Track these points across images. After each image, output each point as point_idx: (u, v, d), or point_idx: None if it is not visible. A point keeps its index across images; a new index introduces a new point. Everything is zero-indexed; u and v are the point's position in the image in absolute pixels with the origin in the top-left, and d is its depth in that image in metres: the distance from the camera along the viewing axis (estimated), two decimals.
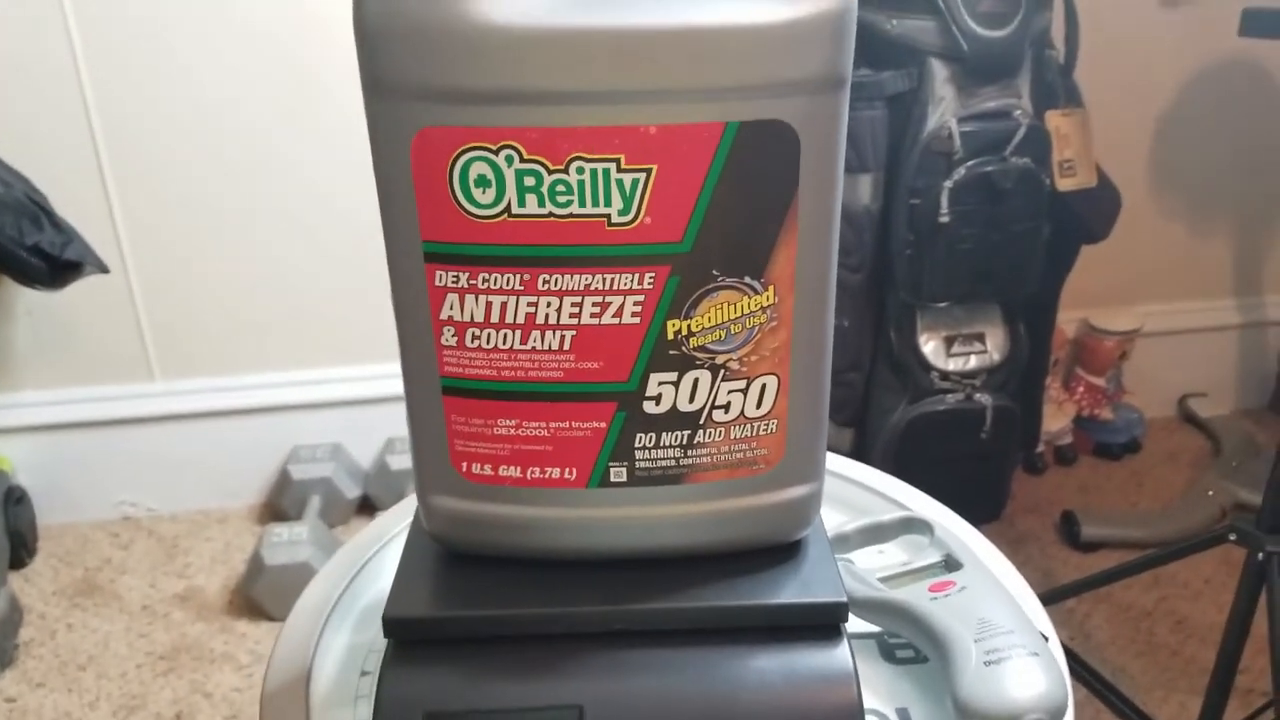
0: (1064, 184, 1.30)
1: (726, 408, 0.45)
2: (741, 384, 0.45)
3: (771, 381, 0.45)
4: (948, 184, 1.24)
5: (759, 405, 0.45)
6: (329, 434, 1.64)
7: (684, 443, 0.46)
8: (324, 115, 1.49)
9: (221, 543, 1.61)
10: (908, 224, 1.27)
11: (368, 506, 1.65)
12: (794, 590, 0.48)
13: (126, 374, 1.60)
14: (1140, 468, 1.83)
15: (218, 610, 1.47)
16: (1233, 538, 1.08)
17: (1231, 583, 1.51)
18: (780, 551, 0.51)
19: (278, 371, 1.63)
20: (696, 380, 0.44)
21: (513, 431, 0.45)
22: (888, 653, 0.58)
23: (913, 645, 0.58)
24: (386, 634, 0.47)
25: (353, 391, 1.63)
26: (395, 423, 1.64)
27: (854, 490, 0.70)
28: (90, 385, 1.60)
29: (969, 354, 1.36)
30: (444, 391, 0.45)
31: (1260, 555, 1.03)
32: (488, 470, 0.46)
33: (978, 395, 1.37)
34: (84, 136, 1.46)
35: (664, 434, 0.45)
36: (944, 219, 1.25)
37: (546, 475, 0.46)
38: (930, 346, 1.36)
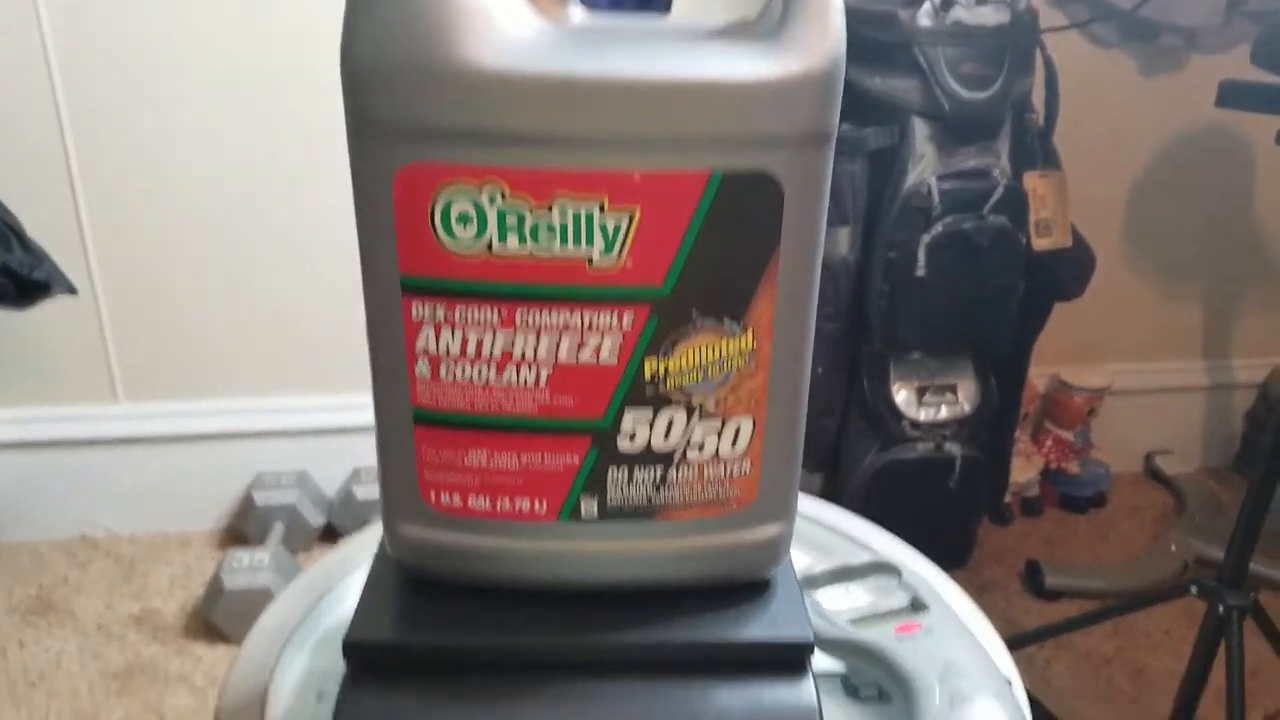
0: (1040, 243, 1.32)
1: (701, 447, 0.45)
2: (717, 424, 0.45)
3: (747, 423, 0.45)
4: (925, 239, 1.25)
5: (734, 445, 0.46)
6: (294, 461, 1.63)
7: (657, 480, 0.46)
8: (301, 146, 1.49)
9: (181, 566, 1.59)
10: (884, 276, 1.29)
11: (331, 535, 1.63)
12: (761, 627, 0.48)
13: (90, 395, 1.58)
14: (1105, 521, 1.85)
15: (175, 632, 1.44)
16: (1194, 590, 1.09)
17: (1190, 634, 1.53)
18: (749, 588, 0.51)
19: (244, 397, 1.62)
20: (672, 419, 0.44)
21: (484, 463, 0.45)
22: (851, 691, 0.58)
23: (877, 685, 0.58)
24: (347, 658, 0.47)
25: (320, 420, 1.62)
26: (362, 452, 1.62)
27: (823, 532, 0.70)
28: (53, 405, 1.58)
29: (940, 404, 1.38)
30: (416, 421, 0.45)
31: (1220, 609, 1.04)
32: (456, 500, 0.46)
33: (948, 445, 1.38)
34: (58, 160, 1.45)
35: (637, 470, 0.46)
36: (920, 273, 1.26)
37: (516, 507, 0.46)
38: (902, 395, 1.37)
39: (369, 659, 0.48)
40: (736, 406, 0.45)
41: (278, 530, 1.55)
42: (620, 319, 0.42)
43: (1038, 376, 1.78)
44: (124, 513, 1.64)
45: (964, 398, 1.39)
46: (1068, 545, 1.77)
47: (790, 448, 0.47)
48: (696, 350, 0.43)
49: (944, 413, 1.37)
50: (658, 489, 0.46)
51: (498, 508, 0.46)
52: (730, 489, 0.47)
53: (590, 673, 0.47)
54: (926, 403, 1.37)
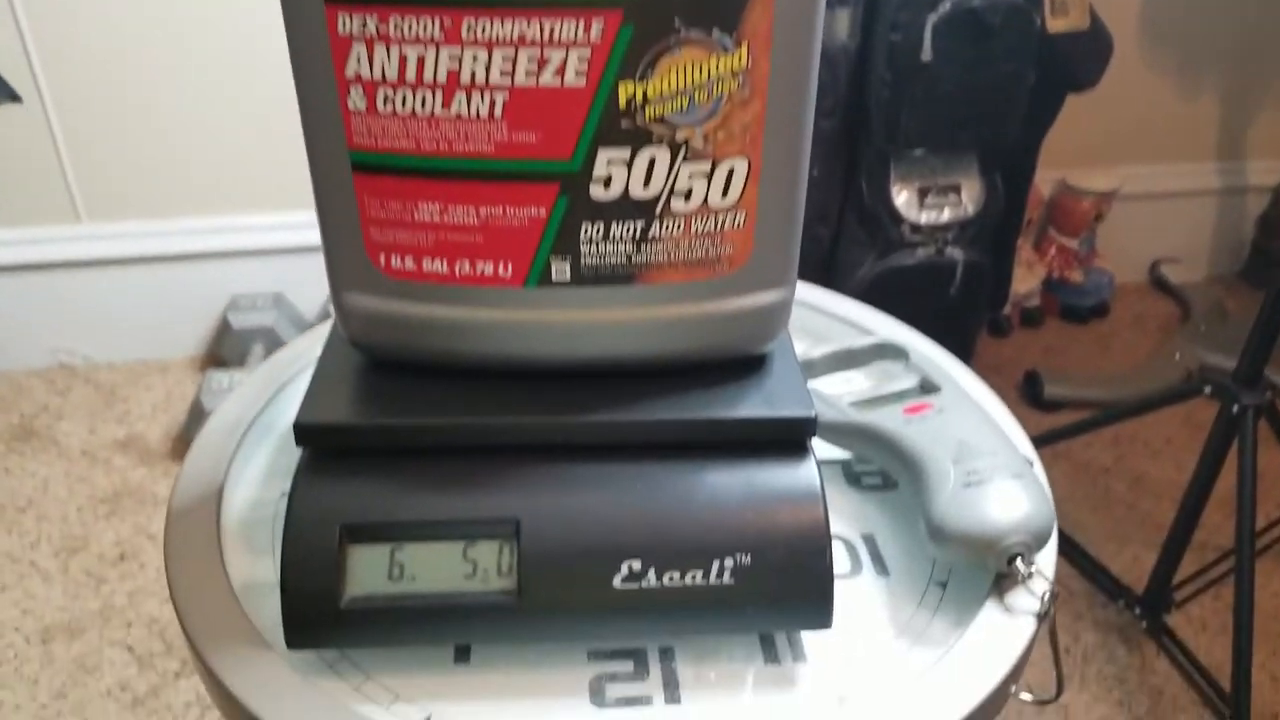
0: (1055, 24, 1.22)
1: (688, 195, 0.39)
2: (706, 166, 0.39)
3: (741, 165, 0.39)
4: (932, 18, 1.16)
5: (725, 193, 0.40)
6: (270, 283, 1.57)
7: (637, 235, 0.40)
8: None
9: (162, 391, 1.55)
10: (887, 62, 1.19)
11: None
12: (757, 405, 0.44)
13: (51, 215, 1.51)
14: (1107, 332, 1.81)
15: (160, 456, 1.42)
16: (1207, 390, 1.06)
17: (1193, 443, 1.52)
18: (743, 365, 0.46)
19: (214, 215, 1.54)
20: (653, 159, 0.38)
21: (437, 218, 0.39)
22: (853, 479, 0.54)
23: (880, 472, 0.54)
24: (299, 442, 0.42)
25: (295, 239, 1.55)
26: None
27: (820, 318, 0.65)
28: (13, 227, 1.51)
29: (943, 206, 1.31)
30: (355, 169, 0.39)
31: (1235, 408, 1.00)
32: (409, 264, 0.41)
33: (949, 249, 1.33)
34: None
35: (614, 225, 0.40)
36: (926, 57, 1.17)
37: (478, 271, 0.41)
38: (903, 198, 1.30)
39: (324, 444, 0.43)
40: (729, 144, 0.38)
41: (256, 353, 1.51)
42: (587, 29, 0.35)
43: (1043, 181, 1.71)
44: (101, 340, 1.60)
45: (968, 199, 1.32)
46: (1068, 356, 1.74)
47: (791, 197, 0.41)
48: (680, 70, 0.36)
49: (946, 215, 1.31)
50: (638, 247, 0.40)
51: (456, 272, 0.41)
52: (722, 246, 0.41)
53: (566, 456, 0.43)
54: (928, 205, 1.30)
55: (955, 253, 1.32)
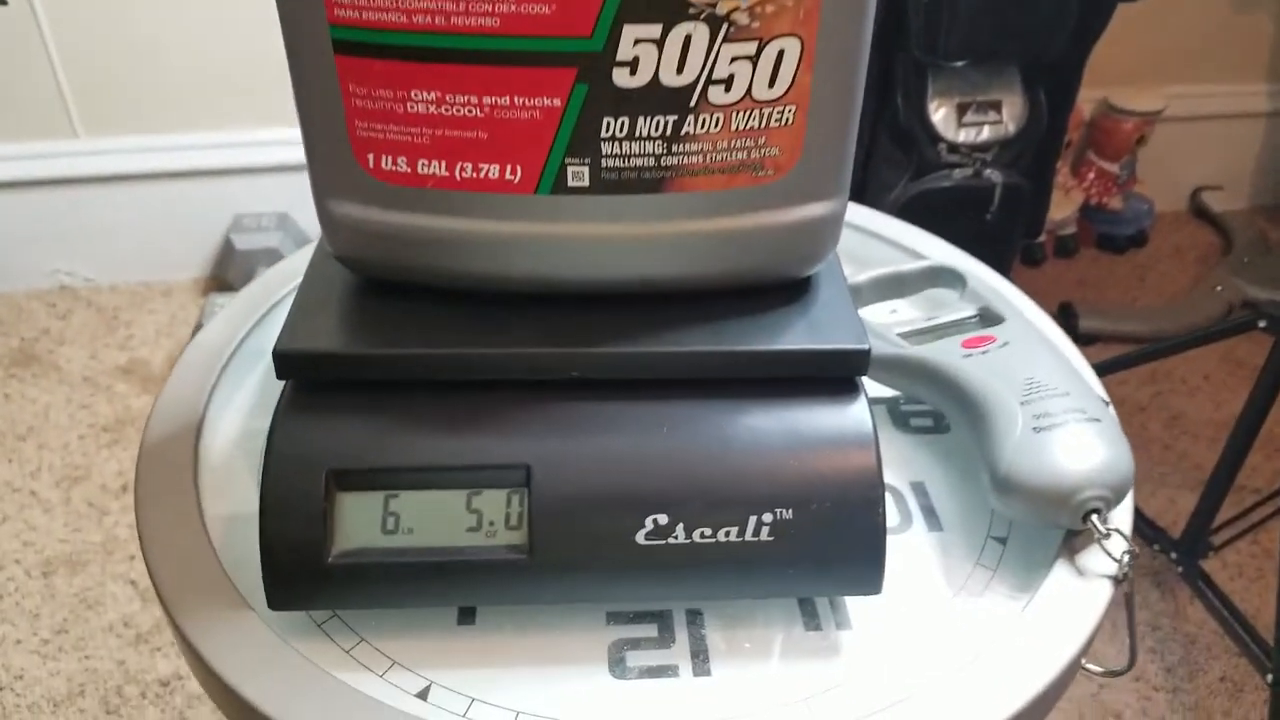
0: None
1: (728, 83, 0.33)
2: (750, 48, 0.32)
3: (792, 47, 0.33)
4: None
5: (773, 82, 0.33)
6: (276, 202, 1.51)
7: (668, 133, 0.34)
8: None
9: (166, 315, 1.50)
10: None
11: None
12: (802, 335, 0.38)
13: (45, 129, 1.44)
14: (1145, 262, 1.73)
15: (163, 383, 1.37)
16: (1262, 325, 0.99)
17: (1232, 380, 1.45)
18: (785, 291, 0.40)
19: (217, 131, 1.48)
20: (689, 38, 0.32)
21: (433, 110, 0.33)
22: (900, 420, 0.48)
23: (931, 413, 0.48)
24: (280, 374, 0.37)
25: (300, 156, 1.48)
26: None
27: (862, 239, 0.59)
28: (5, 142, 1.45)
29: (983, 124, 1.23)
30: (336, 50, 0.33)
31: None
32: (402, 166, 0.35)
33: (987, 171, 1.25)
34: None
35: (641, 120, 0.34)
36: None
37: (481, 175, 0.35)
38: (941, 114, 1.23)
39: (309, 377, 0.38)
40: (778, 20, 0.32)
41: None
42: None
43: (1084, 101, 1.62)
44: (102, 261, 1.54)
45: (1009, 116, 1.24)
46: (1104, 287, 1.67)
47: (849, 90, 0.35)
48: None
49: (986, 133, 1.23)
50: (669, 147, 0.34)
51: (457, 175, 0.35)
52: (766, 148, 0.35)
53: (584, 394, 0.37)
54: (967, 122, 1.22)
55: (994, 174, 1.25)
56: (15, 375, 1.40)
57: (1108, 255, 1.74)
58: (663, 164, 0.34)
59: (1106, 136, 1.67)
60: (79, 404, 1.35)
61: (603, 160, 0.34)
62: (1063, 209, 1.67)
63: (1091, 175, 1.70)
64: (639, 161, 0.34)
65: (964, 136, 1.23)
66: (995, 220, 1.29)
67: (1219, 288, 1.61)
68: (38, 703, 0.94)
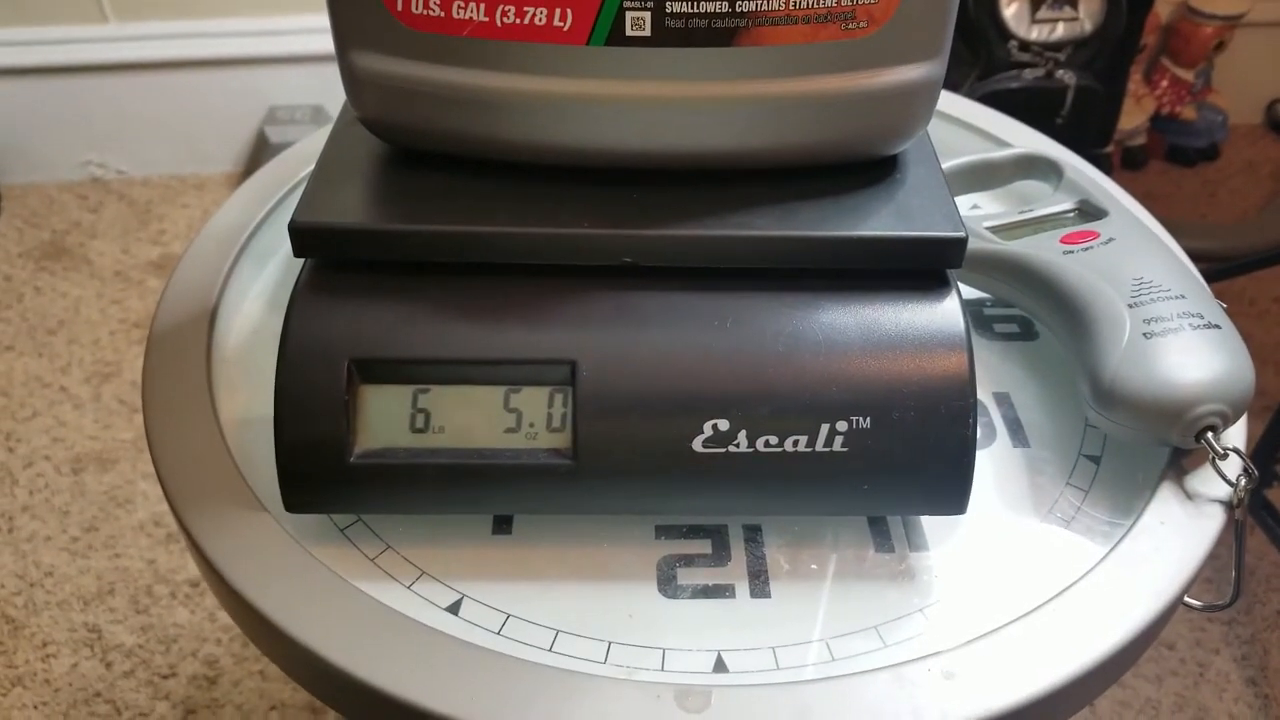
0: None
1: None
2: None
3: None
4: None
5: None
6: (310, 93, 1.45)
7: None
8: None
9: (199, 209, 1.47)
10: None
11: None
12: (888, 220, 0.33)
13: (74, 14, 1.39)
14: (1215, 177, 1.65)
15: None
16: None
17: None
18: (869, 170, 0.35)
19: (251, 16, 1.42)
20: None
21: None
22: (983, 324, 0.44)
23: (1017, 317, 0.44)
24: (298, 251, 0.33)
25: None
26: None
27: (942, 124, 0.54)
28: (33, 25, 1.40)
29: (1057, 20, 1.15)
30: None
31: None
32: (435, 9, 0.30)
33: (1060, 72, 1.17)
34: None
35: None
36: None
37: (526, 20, 0.30)
38: (1013, 9, 1.15)
39: (330, 255, 0.34)
40: None
41: None
42: None
43: (1162, 2, 1.52)
44: (133, 153, 1.51)
45: (1085, 14, 1.16)
46: (1172, 202, 1.59)
47: None
48: None
49: (1060, 31, 1.15)
50: None
51: (497, 20, 0.30)
52: None
53: (638, 283, 0.33)
54: (1040, 19, 1.14)
55: (1067, 76, 1.17)
56: (46, 268, 1.37)
57: (1176, 169, 1.66)
58: (737, 9, 0.29)
59: (1184, 41, 1.57)
60: (110, 299, 1.32)
61: (667, 5, 0.29)
62: (1133, 118, 1.58)
63: (1165, 82, 1.61)
64: (709, 7, 0.29)
65: (1037, 34, 1.15)
66: (1065, 126, 1.22)
67: None
68: (67, 600, 0.93)
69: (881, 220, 0.33)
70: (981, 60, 1.16)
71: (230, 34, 1.42)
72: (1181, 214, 1.55)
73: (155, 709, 0.86)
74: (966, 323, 0.33)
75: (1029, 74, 1.16)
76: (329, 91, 1.46)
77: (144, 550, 0.98)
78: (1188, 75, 1.60)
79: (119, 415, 1.14)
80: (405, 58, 0.31)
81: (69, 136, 1.48)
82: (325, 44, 1.35)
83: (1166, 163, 1.66)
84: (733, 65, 0.30)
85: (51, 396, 1.17)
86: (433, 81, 0.31)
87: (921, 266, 0.33)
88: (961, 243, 0.33)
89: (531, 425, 0.32)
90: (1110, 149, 1.60)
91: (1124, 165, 1.64)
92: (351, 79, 0.33)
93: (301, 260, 0.34)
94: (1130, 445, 0.38)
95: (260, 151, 1.45)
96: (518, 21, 0.30)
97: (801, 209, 0.33)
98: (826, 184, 0.34)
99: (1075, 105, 1.20)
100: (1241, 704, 0.89)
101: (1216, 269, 1.20)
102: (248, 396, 0.39)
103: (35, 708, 0.86)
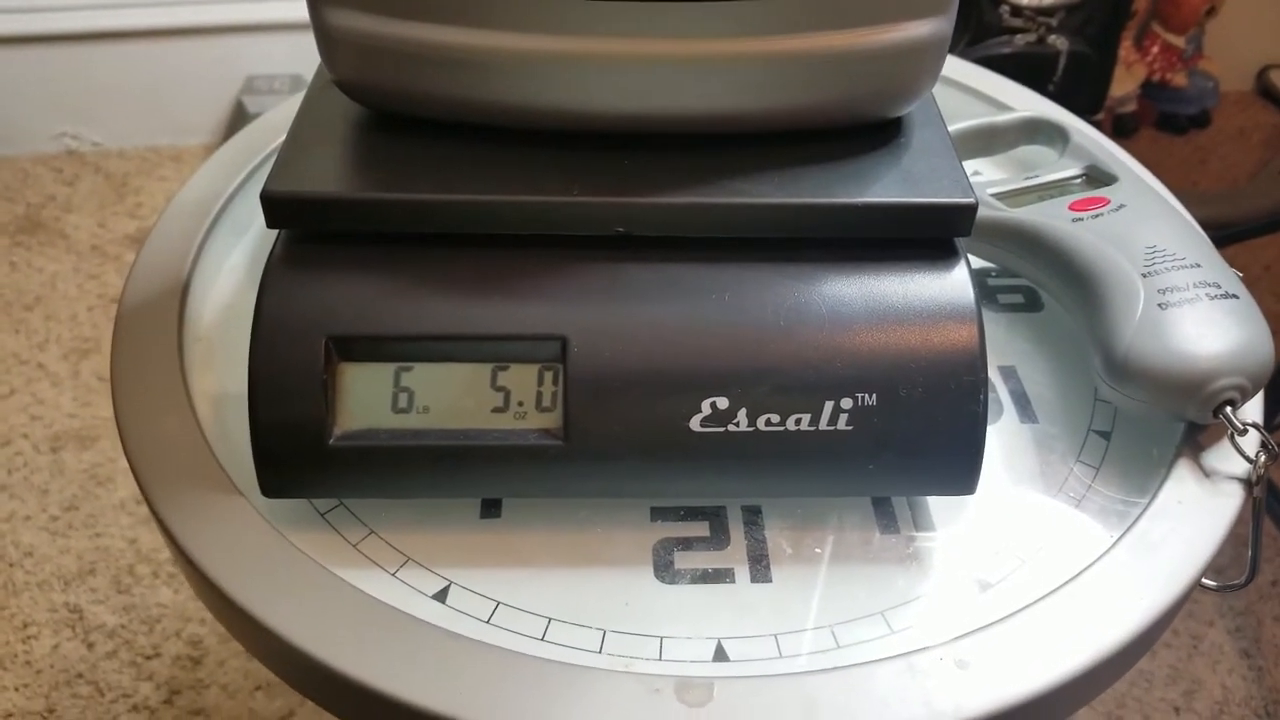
0: None
1: None
2: None
3: None
4: None
5: None
6: (288, 62, 1.42)
7: None
8: None
9: (176, 182, 1.44)
10: None
11: None
12: (893, 186, 0.31)
13: None
14: (1206, 144, 1.64)
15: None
16: None
17: None
18: (871, 134, 0.33)
19: None
20: None
21: None
22: (988, 296, 0.42)
23: (1023, 288, 0.42)
24: (271, 222, 0.31)
25: None
26: None
27: (943, 87, 0.52)
28: None
29: None
30: None
31: None
32: None
33: (1051, 37, 1.15)
34: None
35: None
36: None
37: None
38: None
39: (306, 226, 0.32)
40: None
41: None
42: None
43: None
44: (109, 124, 1.47)
45: None
46: (1162, 169, 1.56)
47: None
48: None
49: None
50: None
51: None
52: None
53: (631, 255, 0.31)
54: None
55: (1059, 41, 1.16)
56: (21, 243, 1.34)
57: (1167, 136, 1.64)
58: None
59: (1175, 7, 1.55)
60: (87, 274, 1.30)
61: None
62: (1123, 85, 1.56)
63: (1156, 49, 1.59)
64: None
65: None
66: (1056, 92, 1.20)
67: None
68: (48, 580, 0.92)
69: (887, 186, 0.31)
70: (972, 25, 1.14)
71: (207, 0, 1.39)
72: (1173, 181, 1.53)
73: (139, 690, 0.84)
74: (976, 294, 0.31)
75: (1020, 39, 1.14)
76: (308, 60, 1.42)
77: (125, 529, 0.97)
78: (1179, 41, 1.58)
79: (98, 392, 1.12)
80: (382, 14, 0.29)
81: (43, 108, 1.45)
82: (304, 11, 1.31)
83: (1157, 130, 1.65)
84: (731, 20, 0.29)
85: (29, 374, 1.14)
86: (412, 39, 0.29)
87: (929, 235, 0.32)
88: (971, 210, 0.31)
89: (520, 404, 0.30)
90: (1101, 116, 1.58)
91: (1115, 133, 1.62)
92: (325, 38, 0.31)
93: (275, 232, 0.32)
94: (1141, 420, 0.37)
95: (238, 122, 1.41)
96: None
97: (803, 175, 0.32)
98: (829, 148, 0.33)
99: (1067, 71, 1.18)
100: (1235, 676, 0.89)
101: (1227, 233, 1.20)
102: (222, 376, 0.37)
103: (16, 690, 0.84)
